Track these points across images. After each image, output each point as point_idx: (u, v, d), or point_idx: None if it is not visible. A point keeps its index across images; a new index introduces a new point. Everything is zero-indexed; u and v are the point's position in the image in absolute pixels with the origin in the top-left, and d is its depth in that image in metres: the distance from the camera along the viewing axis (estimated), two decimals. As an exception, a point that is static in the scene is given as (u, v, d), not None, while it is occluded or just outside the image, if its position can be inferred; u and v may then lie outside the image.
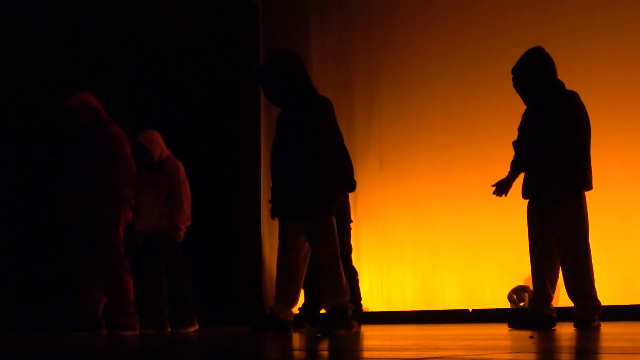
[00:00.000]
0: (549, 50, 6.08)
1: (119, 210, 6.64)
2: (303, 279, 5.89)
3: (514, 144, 6.15)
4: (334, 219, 5.75)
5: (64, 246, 6.88)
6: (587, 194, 5.95)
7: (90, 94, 6.72)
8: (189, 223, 7.70)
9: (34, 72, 9.67)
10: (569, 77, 7.03)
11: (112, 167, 6.61)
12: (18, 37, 9.70)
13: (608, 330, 5.53)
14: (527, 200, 6.13)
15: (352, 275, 6.78)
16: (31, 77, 9.67)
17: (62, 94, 6.87)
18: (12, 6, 9.69)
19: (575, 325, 5.77)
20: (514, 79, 6.06)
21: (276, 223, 6.02)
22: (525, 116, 6.18)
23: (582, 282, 5.80)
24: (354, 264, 7.12)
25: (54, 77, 9.60)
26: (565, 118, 5.88)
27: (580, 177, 5.88)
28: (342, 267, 5.75)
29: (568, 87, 6.05)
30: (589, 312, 5.76)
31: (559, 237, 5.88)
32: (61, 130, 6.67)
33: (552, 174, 5.89)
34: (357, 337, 5.26)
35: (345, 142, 6.03)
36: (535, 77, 5.96)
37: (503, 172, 6.24)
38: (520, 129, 6.18)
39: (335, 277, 5.68)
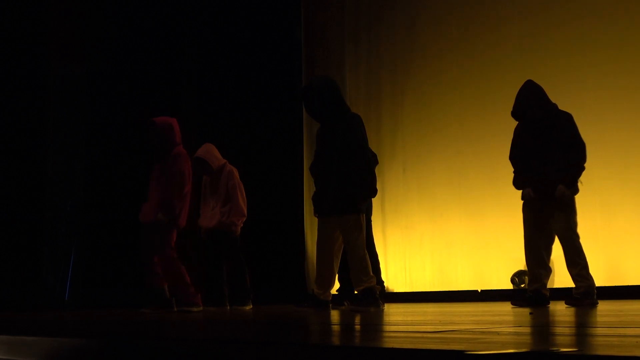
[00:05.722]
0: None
1: (168, 216, 6.66)
2: (338, 266, 5.90)
3: (511, 159, 6.09)
4: (362, 216, 5.76)
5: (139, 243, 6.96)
6: (578, 193, 5.91)
7: (176, 120, 6.82)
8: (244, 219, 7.74)
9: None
10: (567, 84, 6.96)
11: (169, 181, 6.68)
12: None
13: (596, 307, 5.49)
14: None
15: (375, 261, 6.79)
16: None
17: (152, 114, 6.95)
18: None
19: (571, 304, 5.72)
20: (513, 113, 6.01)
21: (316, 220, 6.04)
22: (518, 132, 6.10)
23: (579, 268, 5.77)
24: (381, 252, 7.13)
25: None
26: (567, 139, 5.82)
27: (574, 185, 5.83)
28: (367, 255, 5.75)
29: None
30: (586, 292, 5.74)
31: (560, 234, 5.84)
32: (148, 141, 6.72)
33: (551, 182, 5.83)
34: (383, 313, 5.26)
35: (375, 152, 6.02)
36: (531, 104, 5.91)
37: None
38: (513, 145, 6.10)
39: (364, 263, 5.68)
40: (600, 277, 7.74)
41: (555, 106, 5.97)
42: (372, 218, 7.38)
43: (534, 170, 5.90)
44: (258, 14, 11.16)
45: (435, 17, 10.05)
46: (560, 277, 6.01)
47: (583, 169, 5.87)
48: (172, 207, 6.63)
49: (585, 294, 5.73)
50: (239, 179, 7.75)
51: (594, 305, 5.69)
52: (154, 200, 6.74)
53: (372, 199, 7.01)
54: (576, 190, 5.87)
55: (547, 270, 5.95)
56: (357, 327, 3.65)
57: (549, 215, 5.87)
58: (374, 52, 10.70)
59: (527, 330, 3.01)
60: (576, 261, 5.79)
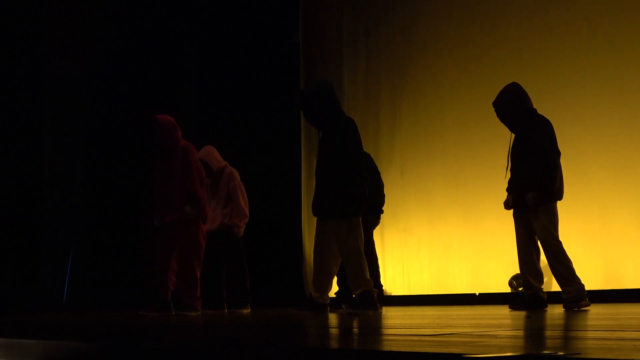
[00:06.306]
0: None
1: (197, 209, 6.68)
2: (337, 269, 5.90)
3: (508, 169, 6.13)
4: (359, 219, 5.77)
5: (152, 242, 6.91)
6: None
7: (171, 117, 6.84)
8: (246, 219, 7.74)
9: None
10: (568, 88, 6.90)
11: (187, 174, 6.68)
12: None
13: (593, 310, 5.49)
14: None
15: (375, 265, 6.80)
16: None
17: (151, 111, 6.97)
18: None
19: (565, 307, 5.73)
20: (496, 111, 6.05)
21: (314, 222, 6.05)
22: (511, 142, 6.16)
23: (565, 272, 5.76)
24: (379, 256, 7.12)
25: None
26: (535, 144, 5.84)
27: (551, 191, 5.82)
28: (365, 258, 5.75)
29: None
30: (576, 294, 5.74)
31: (540, 240, 5.85)
32: (150, 138, 6.73)
33: (524, 190, 5.85)
34: (381, 316, 5.26)
35: (372, 154, 6.01)
36: (511, 108, 5.94)
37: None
38: (508, 156, 6.14)
39: (361, 266, 5.69)
40: (598, 280, 7.76)
41: (535, 111, 6.00)
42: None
43: (519, 175, 5.94)
44: (257, 14, 11.17)
45: (435, 19, 10.05)
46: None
47: (551, 175, 5.83)
48: (199, 198, 6.65)
49: (577, 296, 5.72)
50: (239, 180, 7.76)
51: (588, 305, 5.70)
52: (164, 199, 6.71)
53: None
54: (551, 197, 5.82)
55: (539, 276, 5.96)
56: (356, 330, 3.66)
57: (531, 222, 5.89)
58: (372, 54, 10.69)
59: (525, 333, 3.03)
60: (557, 269, 5.77)
